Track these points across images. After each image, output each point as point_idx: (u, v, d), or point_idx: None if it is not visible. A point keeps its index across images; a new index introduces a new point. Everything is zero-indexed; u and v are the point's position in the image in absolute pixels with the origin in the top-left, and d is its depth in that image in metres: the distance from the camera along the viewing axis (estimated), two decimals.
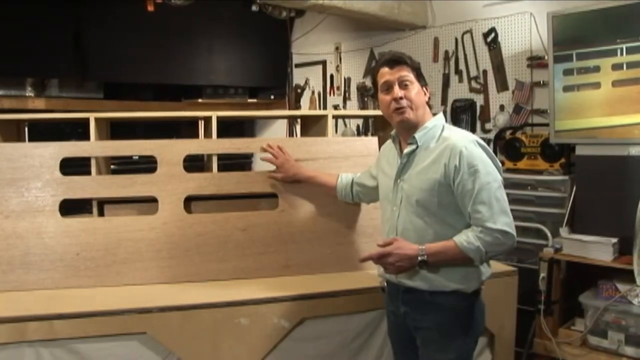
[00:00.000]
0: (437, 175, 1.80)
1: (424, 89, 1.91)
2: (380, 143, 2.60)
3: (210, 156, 2.57)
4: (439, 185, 1.79)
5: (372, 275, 2.26)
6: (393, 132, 2.01)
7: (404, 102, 1.85)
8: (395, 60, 1.88)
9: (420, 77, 1.90)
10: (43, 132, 3.11)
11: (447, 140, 1.82)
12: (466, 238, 1.75)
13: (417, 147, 1.86)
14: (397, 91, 1.85)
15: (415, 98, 1.86)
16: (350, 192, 2.30)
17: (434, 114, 1.93)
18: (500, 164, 1.86)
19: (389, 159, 2.01)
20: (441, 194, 1.80)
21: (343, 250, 2.46)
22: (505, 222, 1.75)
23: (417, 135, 1.86)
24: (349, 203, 2.38)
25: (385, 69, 1.89)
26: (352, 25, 4.71)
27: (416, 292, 1.86)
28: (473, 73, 3.98)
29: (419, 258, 1.78)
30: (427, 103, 1.92)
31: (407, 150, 1.88)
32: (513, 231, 1.77)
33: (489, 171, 1.77)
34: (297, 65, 5.27)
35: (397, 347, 2.06)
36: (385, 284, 2.02)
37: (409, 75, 1.86)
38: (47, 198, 2.27)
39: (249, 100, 5.20)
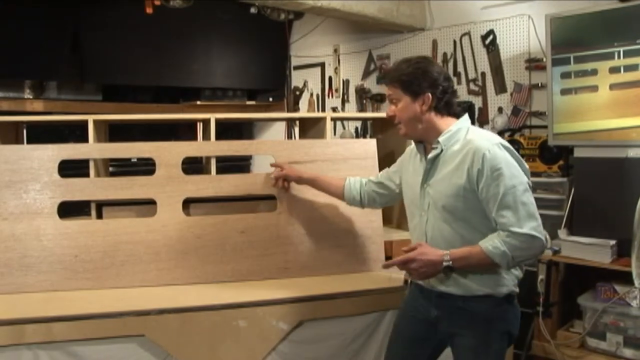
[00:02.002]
0: (461, 180, 1.76)
1: (423, 97, 1.82)
2: (379, 145, 2.60)
3: (208, 158, 2.57)
4: (464, 191, 1.76)
5: (370, 277, 2.26)
6: None
7: (396, 120, 1.88)
8: (385, 79, 1.92)
9: (411, 88, 1.82)
10: (41, 134, 3.10)
11: (470, 144, 1.77)
12: (492, 243, 1.71)
13: (441, 151, 1.83)
14: (388, 110, 1.91)
15: (400, 114, 1.86)
16: (359, 194, 2.21)
17: (458, 116, 1.87)
18: (527, 166, 1.80)
19: (415, 163, 1.96)
20: (467, 199, 1.76)
21: (341, 252, 2.46)
22: (532, 226, 1.70)
23: (441, 139, 1.82)
24: (348, 206, 2.33)
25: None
26: (351, 27, 4.72)
27: (449, 298, 1.83)
28: (471, 75, 3.99)
29: (444, 264, 1.75)
30: (436, 108, 1.83)
31: (431, 155, 1.84)
32: (541, 235, 1.72)
33: (514, 174, 1.72)
34: (296, 68, 5.27)
35: (405, 340, 1.99)
36: (410, 279, 1.97)
37: (395, 92, 1.86)
38: (46, 200, 2.27)
39: (248, 103, 5.21)
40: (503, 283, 1.81)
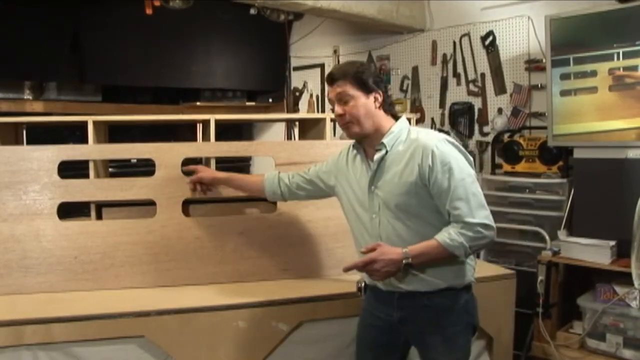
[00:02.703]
0: (412, 177, 1.79)
1: (374, 95, 1.85)
2: None
3: (208, 159, 2.57)
4: (415, 187, 1.79)
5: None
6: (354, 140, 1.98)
7: (347, 118, 1.86)
8: (332, 78, 1.88)
9: (365, 84, 1.84)
10: (41, 135, 3.10)
11: (416, 142, 1.82)
12: (448, 235, 1.75)
13: (387, 152, 1.85)
14: (337, 109, 1.88)
15: (356, 112, 1.84)
16: (279, 187, 2.19)
17: (397, 117, 1.91)
18: (471, 159, 1.86)
19: (355, 167, 1.97)
20: (419, 195, 1.80)
21: (341, 254, 2.46)
22: (484, 215, 1.76)
23: (385, 140, 1.85)
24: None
25: (328, 87, 1.91)
26: (351, 28, 4.72)
27: (413, 297, 1.85)
28: (471, 76, 3.99)
29: (404, 261, 1.76)
30: (383, 107, 1.87)
31: (376, 156, 1.86)
32: (492, 223, 1.78)
33: (462, 167, 1.78)
34: (296, 69, 5.27)
35: (370, 350, 2.00)
36: (363, 285, 1.98)
37: (347, 90, 1.84)
38: (45, 201, 2.27)
39: (247, 103, 5.20)
40: (462, 274, 1.87)
